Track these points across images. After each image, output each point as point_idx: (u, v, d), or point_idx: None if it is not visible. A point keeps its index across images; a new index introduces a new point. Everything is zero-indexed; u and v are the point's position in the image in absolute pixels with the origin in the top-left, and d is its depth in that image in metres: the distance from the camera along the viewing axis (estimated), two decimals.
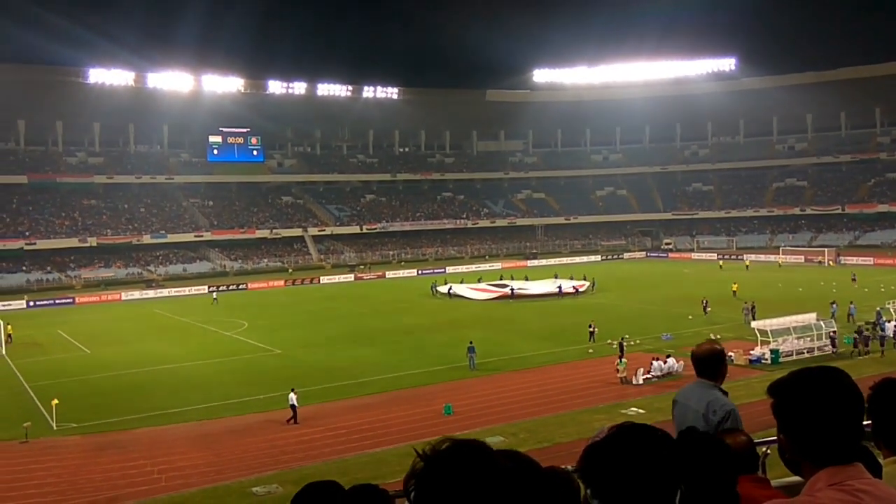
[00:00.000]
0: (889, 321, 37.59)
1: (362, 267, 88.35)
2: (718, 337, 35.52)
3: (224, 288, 72.82)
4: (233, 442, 25.26)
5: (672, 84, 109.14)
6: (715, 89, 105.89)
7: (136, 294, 71.69)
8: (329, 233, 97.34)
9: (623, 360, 31.90)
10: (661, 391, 28.96)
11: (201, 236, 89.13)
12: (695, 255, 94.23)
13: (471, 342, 35.26)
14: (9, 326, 46.72)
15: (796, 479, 2.11)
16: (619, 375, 31.31)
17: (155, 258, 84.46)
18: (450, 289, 63.31)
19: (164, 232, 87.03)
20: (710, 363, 4.40)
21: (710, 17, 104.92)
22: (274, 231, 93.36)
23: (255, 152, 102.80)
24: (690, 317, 46.28)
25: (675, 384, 29.47)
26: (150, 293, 72.20)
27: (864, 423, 2.06)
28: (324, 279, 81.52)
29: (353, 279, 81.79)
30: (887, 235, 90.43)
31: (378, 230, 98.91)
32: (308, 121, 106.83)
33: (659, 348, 36.61)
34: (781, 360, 33.23)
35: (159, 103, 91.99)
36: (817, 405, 1.92)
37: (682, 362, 32.06)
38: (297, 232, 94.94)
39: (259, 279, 79.43)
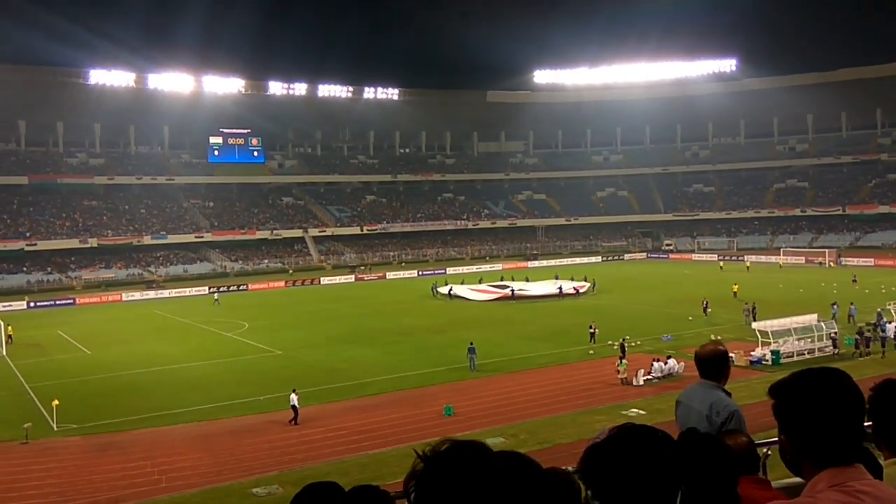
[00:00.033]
0: (890, 322, 37.56)
1: (363, 268, 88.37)
2: (719, 338, 35.49)
3: (224, 289, 72.88)
4: (233, 443, 25.25)
5: (673, 85, 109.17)
6: (716, 90, 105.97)
7: (136, 295, 71.73)
8: (329, 234, 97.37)
9: (624, 360, 31.89)
10: (662, 392, 28.95)
11: (202, 237, 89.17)
12: (695, 256, 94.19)
13: (471, 343, 35.24)
14: (9, 327, 46.73)
15: (797, 480, 2.11)
16: (619, 376, 31.30)
17: (155, 259, 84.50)
18: (450, 290, 63.30)
19: (164, 233, 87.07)
20: (713, 364, 4.40)
21: (710, 17, 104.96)
22: (274, 232, 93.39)
23: (255, 153, 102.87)
24: (691, 318, 46.26)
25: (675, 385, 29.47)
26: (151, 294, 72.22)
27: (865, 424, 2.06)
28: (324, 280, 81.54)
29: (353, 280, 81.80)
30: (888, 236, 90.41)
31: (379, 231, 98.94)
32: (309, 122, 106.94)
33: (659, 349, 36.60)
34: (782, 361, 33.20)
35: (160, 104, 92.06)
36: (818, 406, 1.92)
37: (682, 363, 32.07)
38: (297, 233, 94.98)
39: (259, 280, 79.45)
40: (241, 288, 74.95)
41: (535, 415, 26.94)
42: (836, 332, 35.98)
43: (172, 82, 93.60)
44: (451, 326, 46.91)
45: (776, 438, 2.10)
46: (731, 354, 29.05)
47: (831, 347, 35.16)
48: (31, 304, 66.52)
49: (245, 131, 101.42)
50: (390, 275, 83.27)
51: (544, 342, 40.74)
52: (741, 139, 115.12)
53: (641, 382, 30.88)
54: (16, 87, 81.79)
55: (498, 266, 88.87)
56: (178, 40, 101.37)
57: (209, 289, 72.21)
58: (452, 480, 1.53)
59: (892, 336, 35.84)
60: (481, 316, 51.76)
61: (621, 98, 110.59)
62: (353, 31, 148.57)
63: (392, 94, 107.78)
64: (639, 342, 38.64)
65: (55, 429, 27.10)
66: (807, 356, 34.38)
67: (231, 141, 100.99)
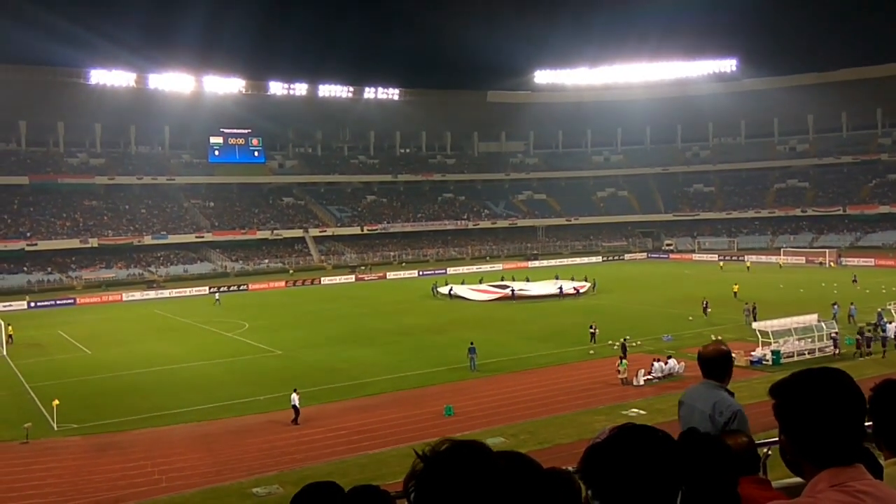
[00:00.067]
0: (890, 322, 37.55)
1: (363, 268, 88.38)
2: (720, 338, 35.48)
3: (225, 289, 72.90)
4: (233, 443, 25.26)
5: (673, 85, 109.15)
6: (716, 90, 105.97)
7: (136, 295, 71.74)
8: (330, 234, 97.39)
9: (624, 360, 31.89)
10: (662, 392, 28.97)
11: (202, 237, 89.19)
12: (696, 257, 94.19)
13: (471, 343, 35.24)
14: (10, 327, 46.75)
15: (797, 480, 2.11)
16: (619, 376, 31.30)
17: (156, 259, 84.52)
18: (450, 290, 63.30)
19: (165, 233, 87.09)
20: (716, 364, 4.40)
21: (711, 17, 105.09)
22: (275, 232, 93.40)
23: (256, 153, 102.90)
24: (691, 318, 46.26)
25: (675, 385, 29.50)
26: (151, 294, 72.24)
27: (865, 424, 2.05)
28: (325, 280, 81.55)
29: (353, 280, 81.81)
30: (888, 236, 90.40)
31: (379, 231, 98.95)
32: (309, 122, 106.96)
33: (660, 349, 36.61)
34: (782, 361, 33.20)
35: (160, 104, 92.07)
36: (819, 406, 1.92)
37: (682, 363, 32.09)
38: (297, 233, 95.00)
39: (260, 280, 79.47)
40: (241, 288, 74.97)
41: (536, 415, 26.94)
42: (836, 333, 35.98)
43: (173, 82, 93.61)
44: (451, 326, 46.92)
45: (776, 438, 2.10)
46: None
47: (832, 347, 35.15)
48: (32, 304, 66.55)
49: (245, 131, 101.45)
50: (391, 275, 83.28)
51: (544, 342, 40.74)
52: (741, 139, 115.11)
53: (642, 382, 30.88)
54: (16, 87, 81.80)
55: (498, 266, 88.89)
56: (178, 40, 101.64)
57: (209, 289, 72.24)
58: (452, 480, 1.53)
59: (893, 336, 35.84)
60: (481, 316, 51.77)
61: (621, 98, 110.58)
62: (353, 31, 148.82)
63: (392, 94, 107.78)
64: (639, 342, 38.64)
65: (55, 429, 27.11)
66: (807, 356, 34.38)
67: (231, 141, 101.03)
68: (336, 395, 31.08)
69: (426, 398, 29.87)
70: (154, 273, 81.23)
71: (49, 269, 77.81)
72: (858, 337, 35.01)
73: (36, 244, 79.13)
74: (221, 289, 72.00)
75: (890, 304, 40.60)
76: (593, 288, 62.90)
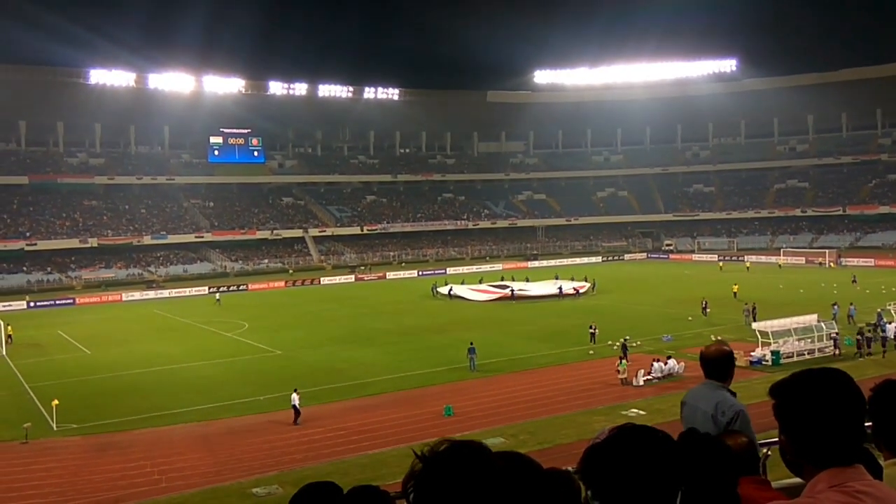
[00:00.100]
0: (890, 322, 37.56)
1: (363, 268, 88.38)
2: (720, 338, 35.48)
3: (225, 289, 72.87)
4: (233, 443, 25.26)
5: (673, 85, 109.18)
6: (716, 90, 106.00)
7: (136, 295, 71.73)
8: (330, 234, 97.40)
9: (624, 361, 31.89)
10: (662, 392, 28.98)
11: (202, 237, 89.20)
12: (696, 257, 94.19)
13: (471, 343, 35.24)
14: (9, 327, 46.73)
15: (797, 480, 2.11)
16: (619, 377, 31.30)
17: (155, 259, 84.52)
18: (450, 290, 63.30)
19: (164, 233, 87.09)
20: (719, 364, 4.40)
21: (711, 18, 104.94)
22: (275, 232, 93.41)
23: (255, 153, 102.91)
24: (690, 318, 46.28)
25: (675, 385, 29.52)
26: (151, 294, 72.23)
27: (865, 424, 2.05)
28: (324, 280, 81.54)
29: (353, 280, 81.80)
30: (888, 237, 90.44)
31: (379, 231, 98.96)
32: (309, 122, 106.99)
33: (659, 349, 36.62)
34: (782, 361, 33.21)
35: (160, 104, 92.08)
36: (819, 407, 1.92)
37: (682, 363, 32.09)
38: (297, 233, 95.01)
39: (260, 280, 79.46)
40: (241, 288, 74.96)
41: (535, 415, 26.94)
42: (836, 333, 35.99)
43: (173, 82, 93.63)
44: (451, 326, 46.92)
45: (776, 439, 2.10)
46: None
47: (832, 348, 35.16)
48: (31, 304, 66.53)
49: (245, 131, 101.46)
50: (390, 275, 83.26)
51: (544, 342, 40.75)
52: (741, 139, 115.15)
53: (641, 383, 30.88)
54: (16, 87, 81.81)
55: (498, 266, 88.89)
56: (178, 40, 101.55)
57: (209, 289, 72.24)
58: (451, 481, 1.53)
59: (893, 336, 35.84)
60: (481, 316, 51.77)
61: (621, 98, 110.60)
62: (353, 31, 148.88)
63: (392, 94, 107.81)
64: (639, 342, 38.63)
65: (55, 429, 27.10)
66: (807, 356, 34.39)
67: (231, 141, 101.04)
68: (336, 395, 31.07)
69: (426, 398, 29.86)
70: (154, 273, 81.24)
71: (49, 269, 77.82)
72: (859, 337, 35.02)
73: (35, 244, 79.14)
74: (221, 289, 71.99)
75: (890, 305, 40.60)
76: (593, 288, 62.91)
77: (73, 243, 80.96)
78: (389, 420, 27.06)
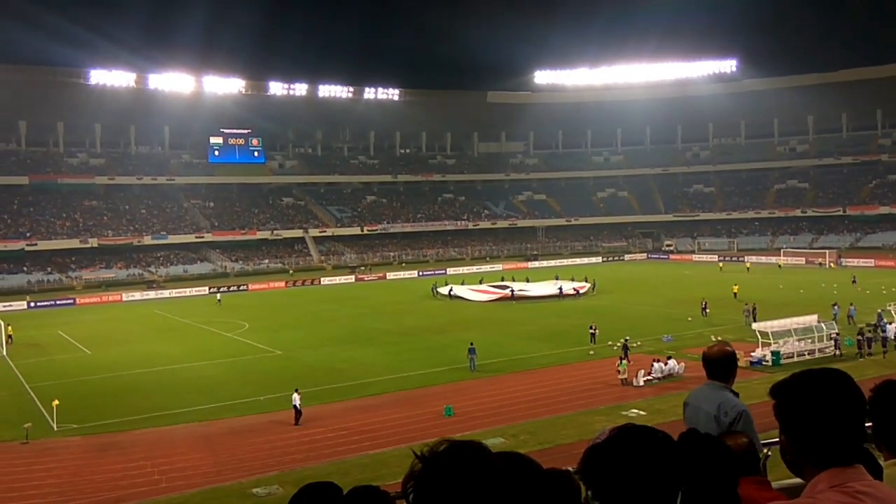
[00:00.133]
0: (890, 323, 37.55)
1: (363, 268, 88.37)
2: (719, 338, 35.49)
3: (225, 289, 72.86)
4: (234, 443, 25.26)
5: (673, 85, 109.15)
6: (716, 91, 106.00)
7: (136, 295, 71.73)
8: (330, 234, 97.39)
9: (624, 361, 31.89)
10: (662, 393, 28.99)
11: (202, 237, 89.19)
12: (696, 257, 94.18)
13: (471, 343, 35.25)
14: (9, 327, 46.74)
15: (797, 480, 2.11)
16: (619, 377, 31.29)
17: (156, 259, 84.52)
18: (450, 290, 63.29)
19: (164, 233, 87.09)
20: (721, 365, 4.41)
21: (711, 18, 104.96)
22: (275, 232, 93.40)
23: (256, 153, 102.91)
24: (690, 318, 46.29)
25: (675, 386, 29.53)
26: (151, 294, 72.23)
27: (866, 425, 2.05)
28: (324, 280, 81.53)
29: (353, 280, 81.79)
30: (888, 237, 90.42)
31: (379, 231, 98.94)
32: (309, 122, 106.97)
33: (660, 350, 36.62)
34: (782, 361, 33.20)
35: (160, 104, 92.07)
36: (819, 407, 1.92)
37: (682, 364, 32.09)
38: (297, 233, 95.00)
39: (260, 280, 79.44)
40: (241, 288, 74.95)
41: (536, 415, 26.94)
42: (837, 333, 35.98)
43: (173, 82, 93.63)
44: (451, 327, 46.92)
45: (776, 439, 2.10)
46: None
47: (832, 348, 35.15)
48: (32, 304, 66.53)
49: (245, 131, 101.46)
50: (390, 275, 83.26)
51: (544, 343, 40.75)
52: (741, 140, 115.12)
53: (641, 383, 30.87)
54: (16, 87, 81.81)
55: (498, 266, 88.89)
56: (178, 40, 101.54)
57: (209, 289, 72.24)
58: (450, 481, 1.53)
59: (893, 337, 35.83)
60: (481, 316, 51.77)
61: (621, 98, 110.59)
62: (353, 31, 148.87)
63: (392, 94, 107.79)
64: (639, 343, 38.63)
65: (55, 429, 27.10)
66: (807, 357, 34.39)
67: (231, 141, 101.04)
68: (336, 395, 31.07)
69: (426, 398, 29.86)
70: (154, 273, 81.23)
71: (49, 269, 77.81)
72: (860, 338, 35.02)
73: (36, 244, 79.14)
74: (221, 289, 72.00)
75: (890, 305, 40.60)
76: (593, 288, 62.90)
77: (74, 243, 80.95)
78: (390, 420, 27.06)
